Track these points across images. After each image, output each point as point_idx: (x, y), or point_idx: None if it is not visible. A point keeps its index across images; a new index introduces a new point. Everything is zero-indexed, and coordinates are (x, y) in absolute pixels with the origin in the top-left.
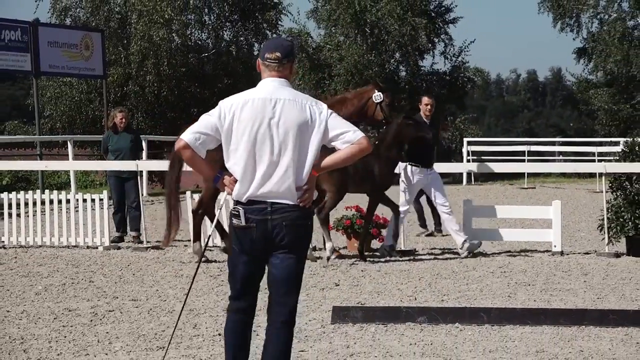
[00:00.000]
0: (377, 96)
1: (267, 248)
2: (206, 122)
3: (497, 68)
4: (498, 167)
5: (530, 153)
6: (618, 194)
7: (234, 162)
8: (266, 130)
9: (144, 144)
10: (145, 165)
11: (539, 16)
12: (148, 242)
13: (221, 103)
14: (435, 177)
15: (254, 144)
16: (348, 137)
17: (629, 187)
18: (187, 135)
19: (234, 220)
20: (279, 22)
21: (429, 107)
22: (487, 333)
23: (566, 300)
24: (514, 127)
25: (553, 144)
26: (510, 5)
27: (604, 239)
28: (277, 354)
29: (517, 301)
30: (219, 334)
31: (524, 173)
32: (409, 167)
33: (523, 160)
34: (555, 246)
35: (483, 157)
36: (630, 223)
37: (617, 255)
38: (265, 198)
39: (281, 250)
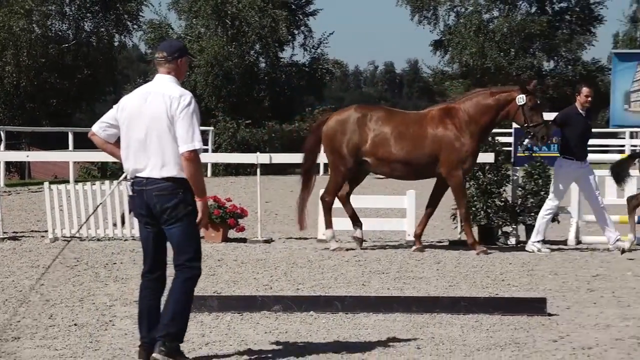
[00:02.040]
0: (521, 98)
1: (154, 215)
2: (109, 113)
3: (355, 60)
4: None
5: None
6: (471, 183)
7: (122, 146)
8: (137, 119)
9: (2, 135)
10: (4, 156)
11: (397, 9)
12: (5, 232)
13: (123, 97)
14: (588, 170)
15: (130, 130)
16: (180, 149)
17: (481, 177)
18: (95, 125)
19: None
20: (140, 14)
21: (589, 98)
22: (341, 321)
23: (419, 288)
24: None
25: None
26: None
27: (456, 227)
28: (175, 309)
29: (371, 289)
30: (75, 324)
31: None
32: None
33: None
34: (409, 235)
35: None
36: (482, 212)
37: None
38: (142, 174)
39: (164, 219)
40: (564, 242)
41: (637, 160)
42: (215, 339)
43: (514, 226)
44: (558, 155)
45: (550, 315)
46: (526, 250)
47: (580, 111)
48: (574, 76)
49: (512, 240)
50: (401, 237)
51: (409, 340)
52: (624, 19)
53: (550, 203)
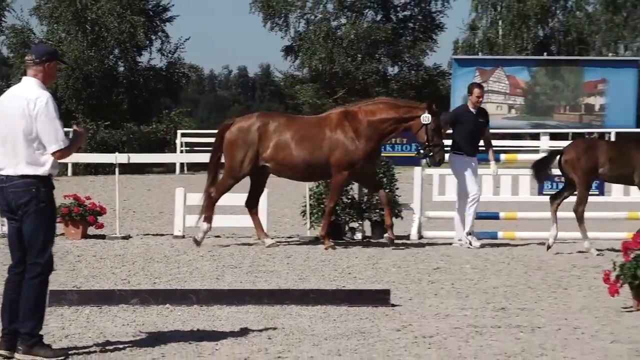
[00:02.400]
0: (426, 118)
1: (13, 211)
2: None
3: (210, 64)
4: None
5: None
6: (320, 182)
7: None
8: (1, 119)
9: None
10: None
11: (250, 16)
12: None
13: None
14: (476, 167)
15: None
16: (48, 150)
17: None
18: None
19: None
20: (2, 19)
21: (480, 98)
22: (195, 313)
23: (270, 281)
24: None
25: None
26: (224, 5)
27: (305, 224)
28: (25, 307)
29: (224, 283)
30: None
31: None
32: (455, 155)
33: None
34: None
35: (196, 148)
36: None
37: (318, 239)
38: (2, 172)
39: (19, 215)
40: (407, 237)
41: (558, 156)
42: (74, 331)
43: (360, 222)
44: (415, 154)
45: (393, 306)
46: (453, 244)
47: (472, 110)
48: (416, 80)
49: (358, 236)
50: (253, 233)
51: (260, 330)
52: (463, 26)
53: (471, 195)
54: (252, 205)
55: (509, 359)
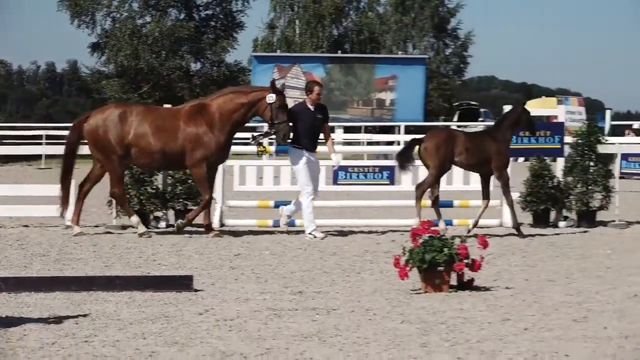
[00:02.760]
0: (270, 97)
1: None
2: None
3: (19, 59)
4: (17, 150)
5: (48, 137)
6: (126, 173)
7: None
8: None
9: None
10: None
11: (59, 13)
12: None
13: None
14: (316, 162)
15: None
16: None
17: (134, 167)
18: None
19: None
20: None
21: (320, 95)
22: (4, 300)
23: (77, 269)
24: (34, 114)
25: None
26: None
27: (111, 213)
28: None
29: (32, 270)
30: None
31: (42, 155)
32: (294, 149)
33: (40, 144)
34: (68, 221)
35: (4, 141)
36: (135, 199)
37: (124, 227)
38: None
39: None
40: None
41: (418, 145)
42: None
43: (164, 211)
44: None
45: (196, 291)
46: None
47: (310, 107)
48: (218, 76)
49: (162, 224)
50: (61, 223)
51: (68, 316)
52: (262, 25)
53: (305, 190)
54: (85, 190)
55: (306, 339)
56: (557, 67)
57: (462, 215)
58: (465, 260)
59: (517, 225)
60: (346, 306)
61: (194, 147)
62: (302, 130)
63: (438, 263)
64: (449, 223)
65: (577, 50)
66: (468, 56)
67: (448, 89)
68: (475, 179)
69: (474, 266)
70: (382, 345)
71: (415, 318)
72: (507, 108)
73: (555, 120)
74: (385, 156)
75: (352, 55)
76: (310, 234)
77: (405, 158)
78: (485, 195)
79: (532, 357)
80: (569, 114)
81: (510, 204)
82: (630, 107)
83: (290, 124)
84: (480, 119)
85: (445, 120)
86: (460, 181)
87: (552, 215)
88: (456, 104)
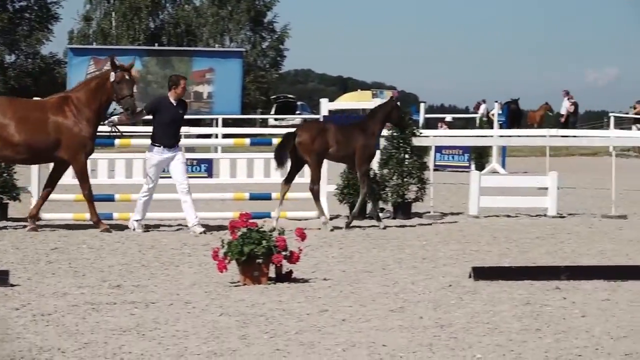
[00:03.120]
0: (112, 75)
1: None
2: None
3: None
4: None
5: None
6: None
7: None
8: None
9: None
10: None
11: None
12: None
13: None
14: (180, 156)
15: None
16: None
17: None
18: None
19: None
20: None
21: (185, 90)
22: None
23: None
24: None
25: None
26: None
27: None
28: None
29: None
30: None
31: None
32: (152, 147)
33: None
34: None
35: None
36: None
37: None
38: None
39: None
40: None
41: (293, 139)
42: None
43: None
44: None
45: (12, 285)
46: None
47: (172, 101)
48: (33, 68)
49: None
50: None
51: None
52: (78, 17)
53: (145, 187)
54: None
55: (124, 333)
56: (372, 60)
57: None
58: (284, 253)
59: (376, 215)
60: (165, 299)
61: (69, 139)
62: (162, 126)
63: (257, 255)
64: (267, 216)
65: (392, 44)
66: (285, 49)
67: (265, 82)
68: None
69: (293, 258)
70: (201, 338)
71: (234, 310)
72: (323, 101)
73: None
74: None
75: (169, 48)
76: (135, 221)
77: (283, 154)
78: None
79: (350, 348)
80: None
81: (365, 195)
82: (444, 100)
83: (150, 117)
84: (298, 112)
85: (262, 114)
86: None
87: (369, 207)
88: (273, 97)
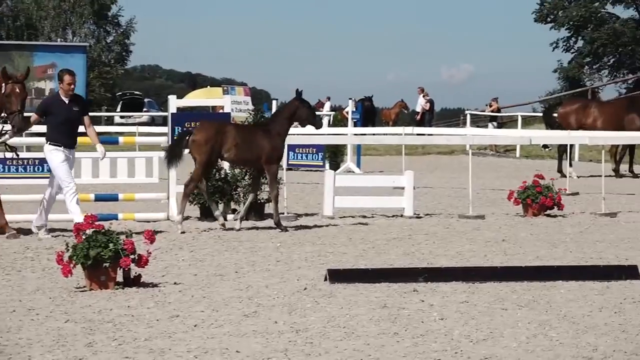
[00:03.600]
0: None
1: None
2: None
3: None
4: None
5: None
6: None
7: None
8: None
9: None
10: None
11: None
12: None
13: None
14: (73, 158)
15: None
16: None
17: None
18: None
19: None
20: None
21: (72, 86)
22: None
23: None
24: None
25: None
26: None
27: None
28: None
29: None
30: None
31: None
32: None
33: None
34: None
35: None
36: None
37: None
38: None
39: None
40: None
41: (187, 137)
42: None
43: None
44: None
45: None
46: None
47: (64, 99)
48: None
49: None
50: None
51: None
52: None
53: (67, 187)
54: None
55: None
56: (222, 56)
57: (128, 209)
58: (132, 256)
59: (278, 220)
60: (7, 306)
61: None
62: (56, 125)
63: (103, 259)
64: (114, 217)
65: (243, 40)
66: (130, 44)
67: (110, 78)
68: (141, 171)
69: (141, 262)
70: (45, 346)
71: (80, 317)
72: (172, 98)
73: (221, 111)
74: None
75: (9, 42)
76: (41, 232)
77: (174, 153)
78: (254, 188)
79: (203, 354)
80: (235, 104)
81: (275, 199)
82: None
83: (44, 117)
84: (145, 109)
85: (107, 111)
86: (124, 174)
87: (221, 208)
88: (119, 93)
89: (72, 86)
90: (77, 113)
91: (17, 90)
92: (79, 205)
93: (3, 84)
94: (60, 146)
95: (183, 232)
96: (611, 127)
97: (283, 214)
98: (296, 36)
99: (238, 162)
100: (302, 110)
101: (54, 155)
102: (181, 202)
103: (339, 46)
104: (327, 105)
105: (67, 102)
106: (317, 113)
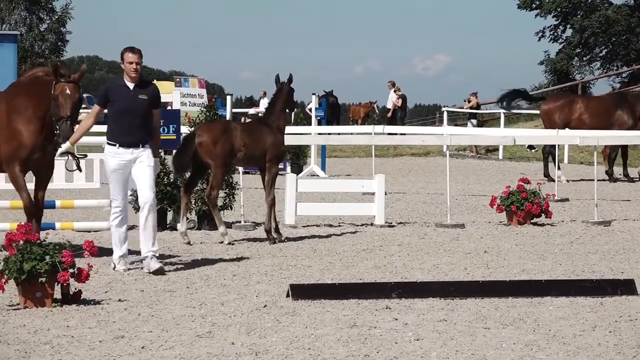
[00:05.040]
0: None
1: None
2: None
3: None
4: None
5: None
6: None
7: None
8: None
9: None
10: None
11: None
12: None
13: None
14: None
15: None
16: None
17: None
18: None
19: None
20: None
21: (134, 65)
22: None
23: None
24: None
25: None
26: None
27: None
28: None
29: None
30: None
31: None
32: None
33: None
34: None
35: None
36: None
37: None
38: None
39: None
40: None
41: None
42: None
43: None
44: None
45: None
46: None
47: (128, 84)
48: None
49: None
50: None
51: None
52: None
53: (112, 205)
54: None
55: None
56: (169, 46)
57: (66, 217)
58: (71, 270)
59: (269, 228)
60: None
61: None
62: (114, 118)
63: (39, 273)
64: (51, 227)
65: (191, 29)
66: (67, 32)
67: None
68: (79, 176)
69: (82, 276)
70: None
71: (14, 338)
72: None
73: (170, 108)
74: None
75: None
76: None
77: (182, 161)
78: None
79: None
80: (189, 97)
81: (272, 203)
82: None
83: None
84: (83, 106)
85: None
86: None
87: (170, 216)
88: None
89: (135, 66)
90: (143, 103)
91: (68, 91)
92: (121, 231)
93: (53, 83)
94: (116, 145)
95: (232, 244)
96: (600, 125)
97: (240, 222)
98: (252, 23)
99: (247, 162)
100: (293, 99)
101: (108, 159)
102: (216, 215)
103: (298, 34)
104: (264, 102)
105: (131, 88)
106: (252, 112)
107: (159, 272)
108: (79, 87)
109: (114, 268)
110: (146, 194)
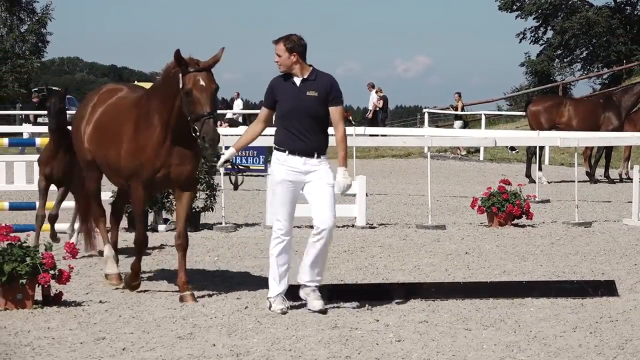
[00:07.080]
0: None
1: None
2: None
3: None
4: None
5: None
6: None
7: None
8: None
9: None
10: None
11: None
12: None
13: None
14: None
15: None
16: None
17: None
18: None
19: None
20: None
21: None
22: None
23: None
24: None
25: None
26: None
27: None
28: None
29: None
30: None
31: None
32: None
33: None
34: None
35: None
36: None
37: None
38: None
39: None
40: None
41: None
42: None
43: None
44: None
45: None
46: None
47: (295, 78)
48: None
49: None
50: None
51: None
52: None
53: (274, 226)
54: None
55: None
56: (149, 48)
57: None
58: (52, 271)
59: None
60: None
61: None
62: (280, 118)
63: (20, 275)
64: (31, 228)
65: (172, 31)
66: (47, 34)
67: (25, 72)
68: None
69: (62, 278)
70: None
71: None
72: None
73: None
74: None
75: None
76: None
77: None
78: None
79: None
80: None
81: None
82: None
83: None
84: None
85: (22, 109)
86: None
87: (150, 217)
88: (35, 89)
89: (277, 59)
90: (313, 101)
91: (202, 82)
92: (282, 261)
93: (180, 75)
94: (284, 151)
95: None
96: (587, 126)
97: (221, 223)
98: (232, 24)
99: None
100: None
101: (273, 169)
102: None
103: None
104: (238, 103)
105: (298, 83)
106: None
107: (322, 312)
108: (212, 75)
109: (269, 308)
110: (326, 217)
